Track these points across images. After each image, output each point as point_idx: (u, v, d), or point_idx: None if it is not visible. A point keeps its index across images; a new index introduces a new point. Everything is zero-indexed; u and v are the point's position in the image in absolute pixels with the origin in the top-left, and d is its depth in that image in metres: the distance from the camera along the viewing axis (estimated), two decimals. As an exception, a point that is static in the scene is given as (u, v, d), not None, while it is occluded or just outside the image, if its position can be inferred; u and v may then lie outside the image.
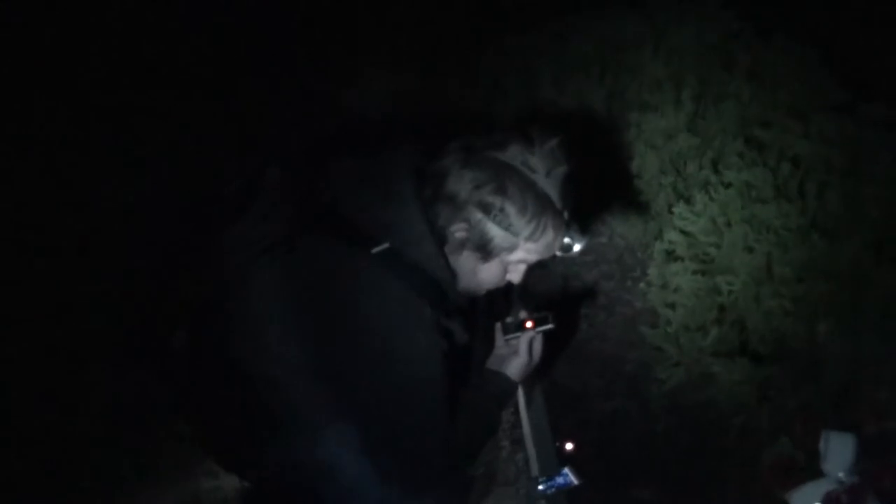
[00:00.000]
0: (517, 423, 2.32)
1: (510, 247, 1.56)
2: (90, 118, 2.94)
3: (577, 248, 1.65)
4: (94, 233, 2.55)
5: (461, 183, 1.52)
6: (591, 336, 2.58)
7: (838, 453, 1.92)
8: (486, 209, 1.52)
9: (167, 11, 3.25)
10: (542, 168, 1.55)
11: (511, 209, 1.51)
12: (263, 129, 2.88)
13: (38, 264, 2.52)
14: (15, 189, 2.74)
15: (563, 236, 1.60)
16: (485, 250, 1.57)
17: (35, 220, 2.66)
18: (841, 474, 1.90)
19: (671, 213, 2.46)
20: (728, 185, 2.29)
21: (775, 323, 2.02)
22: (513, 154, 1.55)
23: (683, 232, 2.35)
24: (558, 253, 1.64)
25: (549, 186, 1.55)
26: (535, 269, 2.33)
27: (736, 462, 2.07)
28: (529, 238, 1.55)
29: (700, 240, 2.29)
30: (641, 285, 2.60)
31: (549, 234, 1.56)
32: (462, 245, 1.57)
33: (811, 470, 1.93)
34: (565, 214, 1.58)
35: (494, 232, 1.54)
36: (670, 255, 2.41)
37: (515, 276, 1.68)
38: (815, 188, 2.08)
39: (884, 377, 1.90)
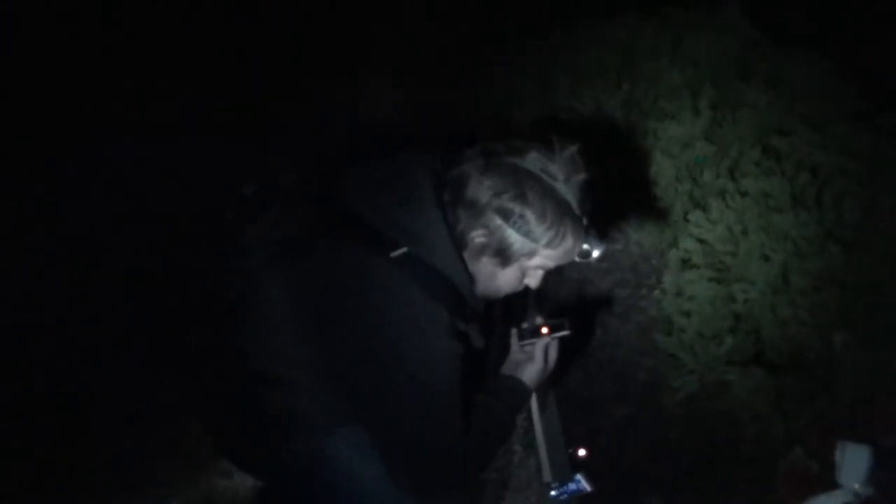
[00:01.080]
0: (530, 429, 2.32)
1: (529, 252, 1.57)
2: (105, 118, 2.96)
3: (595, 254, 1.66)
4: (111, 231, 2.57)
5: (481, 189, 1.53)
6: (606, 343, 2.58)
7: (854, 465, 1.91)
8: (505, 215, 1.53)
9: (183, 17, 3.27)
10: (562, 175, 1.56)
11: (531, 216, 1.52)
12: (281, 133, 2.89)
13: (53, 263, 2.53)
14: (30, 183, 2.76)
15: (582, 243, 1.61)
16: (504, 256, 1.58)
17: (51, 216, 2.68)
18: (856, 486, 1.90)
19: (687, 220, 2.45)
20: (745, 194, 2.28)
21: (791, 332, 2.02)
22: (532, 161, 1.56)
23: (699, 240, 2.34)
24: (577, 259, 1.65)
25: (569, 193, 1.56)
26: (550, 275, 2.34)
27: (749, 472, 2.05)
28: (549, 244, 1.56)
29: (716, 248, 2.29)
30: (656, 293, 2.59)
31: (569, 241, 1.57)
32: (482, 251, 1.58)
33: (826, 481, 1.92)
34: (584, 221, 1.59)
35: (514, 238, 1.55)
36: (686, 263, 2.41)
37: (533, 281, 1.69)
38: (832, 197, 2.07)
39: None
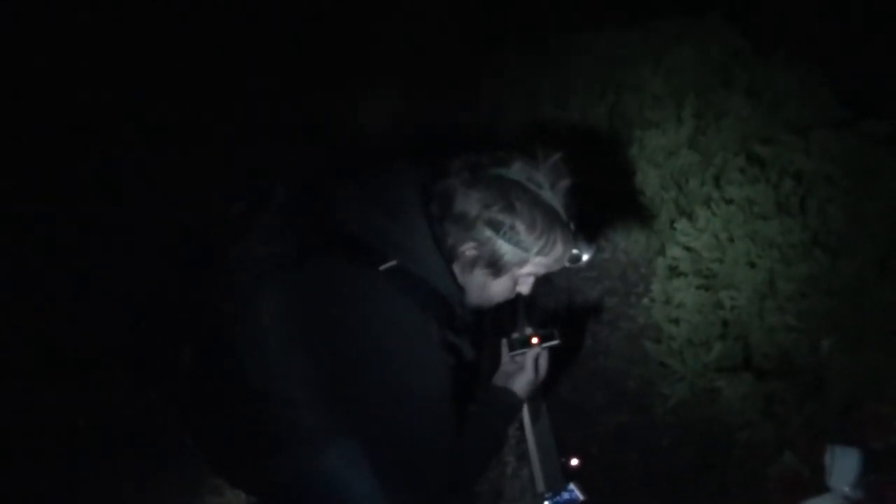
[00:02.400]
0: (522, 439, 2.32)
1: (521, 261, 1.59)
2: (95, 137, 2.95)
3: (585, 257, 1.67)
4: (101, 245, 2.55)
5: (469, 203, 1.54)
6: (596, 352, 2.59)
7: (843, 468, 1.92)
8: (495, 227, 1.54)
9: (172, 30, 3.27)
10: (547, 182, 1.57)
11: (521, 226, 1.53)
12: (269, 149, 2.89)
13: (44, 280, 2.52)
14: (21, 202, 2.74)
15: (572, 248, 1.62)
16: (496, 266, 1.59)
17: (42, 234, 2.67)
18: (846, 489, 1.91)
19: (673, 228, 2.47)
20: (730, 201, 2.30)
21: (779, 338, 2.03)
22: (517, 170, 1.57)
23: (686, 248, 2.36)
24: (567, 264, 1.66)
25: (555, 200, 1.58)
26: (539, 285, 2.35)
27: (741, 477, 2.06)
28: (540, 252, 1.57)
29: (703, 255, 2.30)
30: (645, 301, 2.60)
31: (559, 248, 1.59)
32: (474, 263, 1.59)
33: (817, 485, 1.93)
34: (572, 226, 1.60)
35: (505, 249, 1.56)
36: (673, 271, 2.42)
37: (524, 287, 1.70)
38: (816, 204, 2.09)
39: (888, 392, 1.91)
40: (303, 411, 1.61)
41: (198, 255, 1.72)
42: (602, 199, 2.68)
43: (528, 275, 1.65)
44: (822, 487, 1.93)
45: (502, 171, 1.58)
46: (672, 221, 2.52)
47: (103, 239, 2.59)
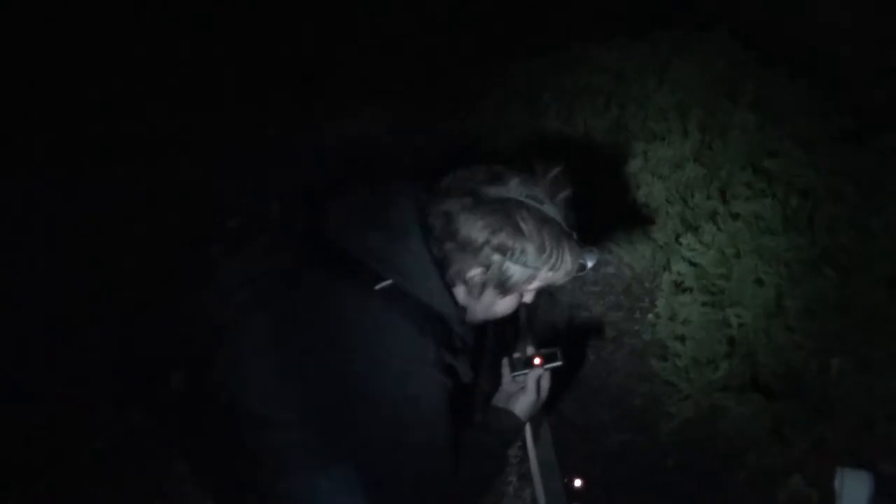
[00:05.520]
0: (524, 458, 2.28)
1: (530, 279, 1.55)
2: (89, 149, 2.92)
3: (590, 264, 1.64)
4: (94, 267, 2.52)
5: (473, 229, 1.50)
6: (599, 369, 2.54)
7: (854, 492, 1.87)
8: (504, 252, 1.50)
9: (164, 40, 3.25)
10: (547, 196, 1.54)
11: (530, 248, 1.50)
12: (264, 164, 2.86)
13: (36, 301, 2.48)
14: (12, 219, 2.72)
15: (580, 259, 1.59)
16: (504, 287, 1.55)
17: (36, 256, 2.64)
18: (857, 514, 1.86)
19: (679, 243, 2.43)
20: (736, 216, 2.26)
21: (787, 357, 1.98)
22: (516, 188, 1.54)
23: (692, 263, 2.32)
24: (575, 273, 1.62)
25: (557, 213, 1.54)
26: (542, 301, 2.30)
27: (748, 500, 2.02)
28: (550, 269, 1.54)
29: (709, 271, 2.26)
30: (650, 316, 2.56)
31: (568, 261, 1.55)
32: (482, 286, 1.56)
33: (826, 509, 1.89)
34: (576, 235, 1.57)
35: (514, 270, 1.53)
36: (678, 287, 2.38)
37: (529, 297, 1.66)
38: (825, 219, 2.05)
39: (900, 415, 1.86)
40: (297, 435, 1.57)
41: (193, 273, 1.68)
42: (606, 213, 2.65)
43: (536, 288, 1.62)
44: (831, 512, 1.88)
45: (501, 190, 1.54)
46: (678, 236, 2.49)
47: (93, 256, 2.55)
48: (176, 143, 2.93)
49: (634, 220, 2.69)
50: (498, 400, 1.81)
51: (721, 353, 2.11)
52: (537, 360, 1.79)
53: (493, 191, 1.53)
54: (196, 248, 1.68)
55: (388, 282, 1.51)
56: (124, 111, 3.02)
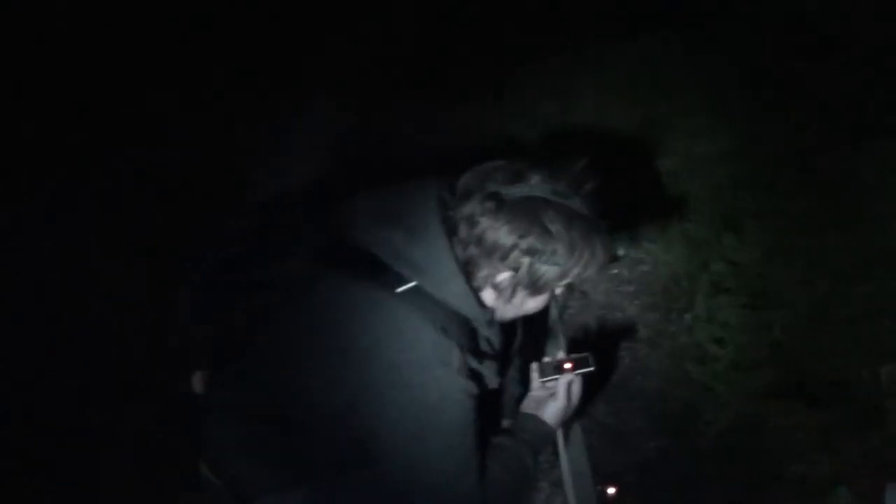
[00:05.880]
0: (556, 464, 2.21)
1: (561, 277, 1.48)
2: (98, 148, 2.90)
3: (621, 252, 1.57)
4: (113, 271, 2.49)
5: (500, 234, 1.44)
6: (634, 371, 2.46)
7: (907, 507, 1.78)
8: (534, 254, 1.45)
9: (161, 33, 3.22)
10: (573, 190, 1.47)
11: (561, 248, 1.44)
12: (281, 161, 2.81)
13: (56, 305, 2.46)
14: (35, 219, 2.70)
15: (611, 251, 1.52)
16: (535, 287, 1.50)
17: (56, 254, 2.62)
18: (909, 531, 1.76)
19: (719, 242, 2.34)
20: (780, 214, 2.16)
21: (834, 364, 1.89)
22: (539, 185, 1.47)
23: (732, 262, 2.22)
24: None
25: (584, 207, 1.47)
26: (573, 302, 2.22)
27: (792, 511, 1.93)
28: (581, 265, 1.47)
29: (750, 271, 2.16)
30: (687, 317, 2.47)
31: (599, 256, 1.49)
32: (512, 289, 1.49)
33: (876, 525, 1.79)
34: (604, 226, 1.50)
35: (545, 270, 1.46)
36: (718, 287, 2.29)
37: (559, 290, 1.59)
38: (877, 218, 1.94)
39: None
40: (318, 439, 1.52)
41: (210, 276, 1.64)
42: (642, 210, 2.57)
43: (568, 284, 1.55)
44: (881, 528, 1.78)
45: (524, 189, 1.47)
46: (717, 234, 2.39)
47: (109, 254, 2.52)
48: (184, 138, 2.88)
49: (671, 217, 2.60)
50: (527, 406, 1.74)
51: (763, 358, 2.02)
52: (568, 365, 1.72)
53: (516, 190, 1.47)
54: (212, 247, 1.64)
55: (412, 284, 1.46)
56: (121, 108, 2.99)
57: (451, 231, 1.49)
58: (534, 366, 1.77)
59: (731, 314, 2.14)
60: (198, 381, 1.65)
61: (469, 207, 1.48)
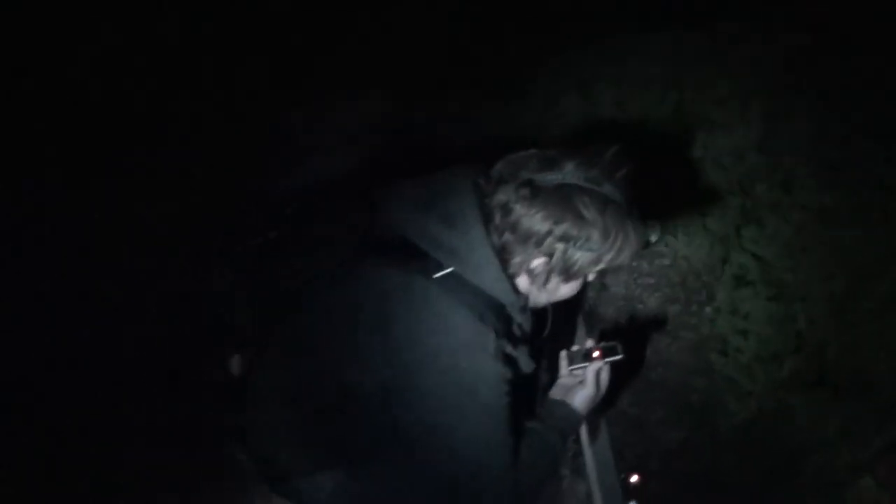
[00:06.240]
0: (579, 453, 2.23)
1: (595, 262, 1.51)
2: (128, 139, 2.91)
3: (653, 238, 1.60)
4: (148, 259, 2.51)
5: (535, 221, 1.47)
6: (656, 363, 2.48)
7: (929, 496, 1.80)
8: (568, 240, 1.48)
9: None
10: (605, 177, 1.49)
11: (595, 234, 1.47)
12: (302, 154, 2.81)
13: (86, 292, 2.48)
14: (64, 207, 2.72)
15: (644, 237, 1.54)
16: (569, 273, 1.52)
17: (86, 245, 2.63)
18: (932, 519, 1.79)
19: (740, 235, 2.35)
20: (803, 208, 2.18)
21: (858, 355, 1.91)
22: (572, 172, 1.49)
23: (755, 256, 2.24)
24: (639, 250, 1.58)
25: (617, 193, 1.50)
26: (595, 294, 2.25)
27: (813, 501, 1.95)
28: (615, 251, 1.50)
29: (773, 264, 2.18)
30: (707, 310, 2.49)
31: (633, 242, 1.52)
32: (547, 275, 1.52)
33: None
34: (637, 212, 1.52)
35: (578, 256, 1.49)
36: (740, 280, 2.31)
37: (592, 276, 1.62)
38: (899, 213, 1.97)
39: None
40: (358, 421, 1.56)
41: (249, 264, 1.67)
42: (662, 203, 2.58)
43: (601, 270, 1.58)
44: (905, 516, 1.81)
45: (557, 176, 1.49)
46: (738, 228, 2.41)
47: (144, 246, 2.54)
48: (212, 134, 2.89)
49: (691, 211, 2.61)
50: (556, 393, 1.77)
51: (787, 350, 2.04)
52: (596, 354, 1.74)
53: (550, 177, 1.50)
54: (253, 241, 1.67)
55: (449, 270, 1.49)
56: (126, 106, 3.00)
57: (486, 218, 1.51)
58: (563, 354, 1.80)
59: (754, 306, 2.16)
60: (236, 364, 1.68)
61: (504, 195, 1.51)
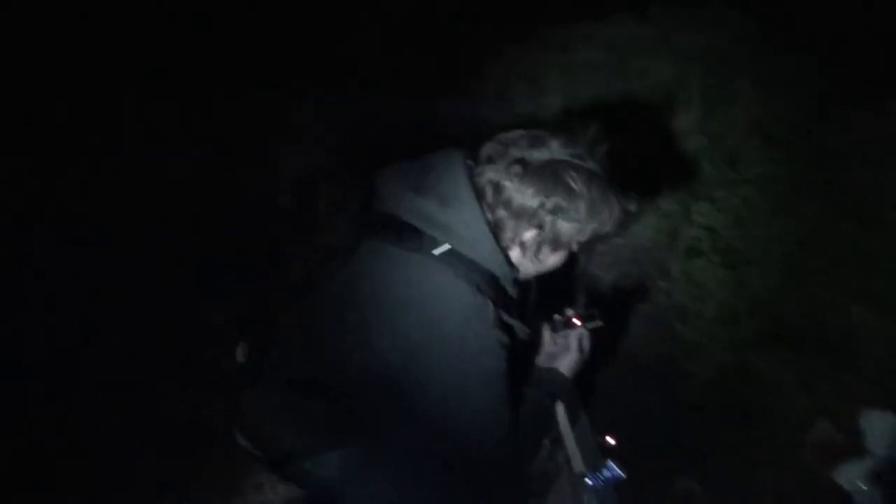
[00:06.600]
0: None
1: (581, 232, 1.60)
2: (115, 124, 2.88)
3: (633, 208, 1.70)
4: (151, 250, 2.50)
5: (526, 196, 1.55)
6: (616, 334, 2.60)
7: (878, 430, 1.99)
8: (557, 213, 1.55)
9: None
10: (588, 153, 1.59)
11: (582, 206, 1.55)
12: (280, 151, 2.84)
13: (82, 281, 2.45)
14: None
15: (624, 207, 1.65)
16: (558, 243, 1.60)
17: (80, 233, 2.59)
18: (883, 451, 1.98)
19: (690, 211, 2.51)
20: (748, 181, 2.35)
21: (809, 310, 2.08)
22: (558, 149, 1.59)
23: (706, 228, 2.40)
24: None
25: (599, 167, 1.60)
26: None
27: (776, 446, 2.11)
28: (601, 221, 1.59)
29: (723, 234, 2.35)
30: (661, 283, 2.64)
31: (616, 212, 1.60)
32: (538, 246, 1.61)
33: (854, 450, 1.99)
34: (617, 185, 1.63)
35: (567, 227, 1.57)
36: (693, 252, 2.46)
37: (576, 247, 1.71)
38: (841, 178, 2.15)
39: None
40: (357, 400, 1.60)
41: (248, 250, 1.71)
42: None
43: (586, 240, 1.67)
44: (860, 452, 1.99)
45: (545, 152, 1.59)
46: (688, 204, 2.57)
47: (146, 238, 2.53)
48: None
49: (639, 192, 2.75)
50: (541, 360, 1.85)
51: (743, 311, 2.20)
52: (577, 322, 1.85)
53: (538, 154, 1.58)
54: (255, 225, 1.71)
55: (446, 246, 1.56)
56: (125, 104, 2.97)
57: (478, 196, 1.59)
58: (545, 324, 1.90)
59: (710, 274, 2.31)
60: (241, 352, 1.71)
61: (495, 173, 1.59)
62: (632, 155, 2.77)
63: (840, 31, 2.69)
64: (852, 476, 2.00)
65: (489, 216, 1.58)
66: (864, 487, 1.97)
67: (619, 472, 2.12)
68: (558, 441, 2.31)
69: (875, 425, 1.98)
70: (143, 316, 2.20)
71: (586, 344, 1.86)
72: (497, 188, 1.58)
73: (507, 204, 1.57)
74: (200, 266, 1.77)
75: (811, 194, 2.16)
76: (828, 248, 2.07)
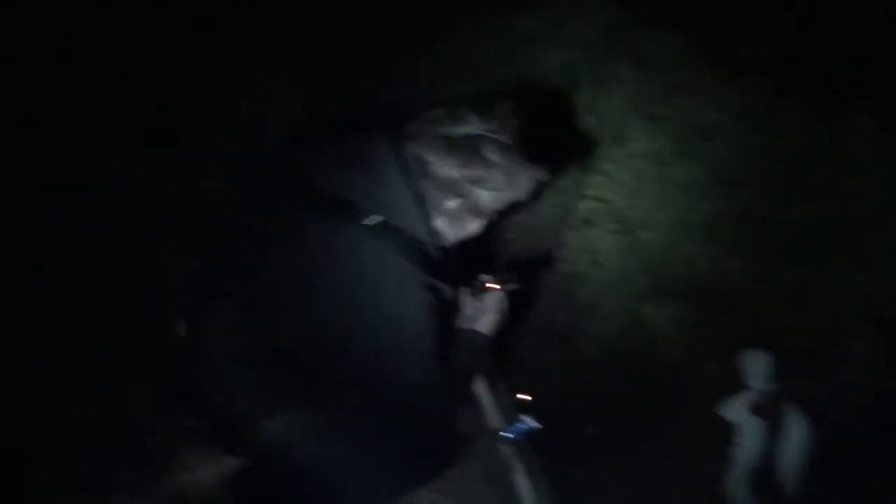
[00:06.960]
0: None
1: (499, 200, 1.77)
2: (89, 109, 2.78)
3: (545, 179, 1.86)
4: (97, 228, 2.43)
5: (448, 168, 1.70)
6: (519, 303, 2.77)
7: (757, 369, 2.28)
8: (476, 182, 1.71)
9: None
10: (503, 126, 1.76)
11: (499, 175, 1.71)
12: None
13: (38, 259, 2.38)
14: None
15: (537, 177, 1.82)
16: (477, 211, 1.76)
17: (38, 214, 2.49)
18: (762, 385, 2.26)
19: (584, 185, 2.72)
20: (635, 155, 2.58)
21: (694, 266, 2.33)
22: (477, 124, 1.75)
23: (599, 199, 2.62)
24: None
25: (515, 140, 1.77)
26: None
27: (669, 390, 2.35)
28: (516, 190, 1.76)
29: (615, 203, 2.57)
30: (560, 253, 2.83)
31: (531, 181, 1.78)
32: (460, 214, 1.76)
33: (737, 387, 2.26)
34: (529, 157, 1.80)
35: (486, 196, 1.73)
36: (588, 223, 2.67)
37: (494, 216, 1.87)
38: (715, 148, 2.41)
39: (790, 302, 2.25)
40: (305, 365, 1.68)
41: (186, 228, 1.76)
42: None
43: (503, 208, 1.84)
44: (743, 387, 2.27)
45: (466, 127, 1.75)
46: (579, 178, 2.78)
47: (96, 218, 2.46)
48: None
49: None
50: (462, 322, 2.01)
51: (636, 272, 2.43)
52: (496, 285, 2.01)
53: (458, 129, 1.75)
54: (189, 205, 1.76)
55: (379, 218, 1.69)
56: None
57: (405, 170, 1.74)
58: (463, 288, 2.05)
59: (604, 241, 2.53)
60: (181, 327, 1.76)
61: (420, 148, 1.74)
62: (526, 138, 2.99)
63: (708, 16, 2.95)
64: (737, 409, 2.28)
65: (415, 188, 1.73)
66: (748, 418, 2.26)
67: (533, 423, 2.31)
68: (475, 400, 2.48)
69: (753, 364, 2.26)
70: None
71: (504, 305, 2.02)
72: (422, 162, 1.73)
73: (433, 176, 1.72)
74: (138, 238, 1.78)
75: (692, 164, 2.41)
76: (713, 211, 2.32)
